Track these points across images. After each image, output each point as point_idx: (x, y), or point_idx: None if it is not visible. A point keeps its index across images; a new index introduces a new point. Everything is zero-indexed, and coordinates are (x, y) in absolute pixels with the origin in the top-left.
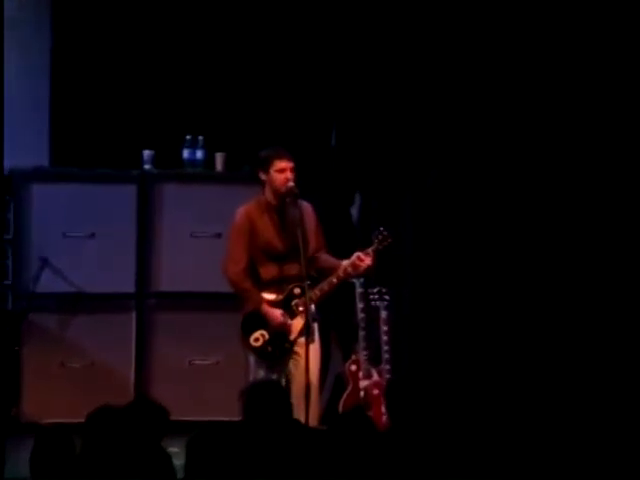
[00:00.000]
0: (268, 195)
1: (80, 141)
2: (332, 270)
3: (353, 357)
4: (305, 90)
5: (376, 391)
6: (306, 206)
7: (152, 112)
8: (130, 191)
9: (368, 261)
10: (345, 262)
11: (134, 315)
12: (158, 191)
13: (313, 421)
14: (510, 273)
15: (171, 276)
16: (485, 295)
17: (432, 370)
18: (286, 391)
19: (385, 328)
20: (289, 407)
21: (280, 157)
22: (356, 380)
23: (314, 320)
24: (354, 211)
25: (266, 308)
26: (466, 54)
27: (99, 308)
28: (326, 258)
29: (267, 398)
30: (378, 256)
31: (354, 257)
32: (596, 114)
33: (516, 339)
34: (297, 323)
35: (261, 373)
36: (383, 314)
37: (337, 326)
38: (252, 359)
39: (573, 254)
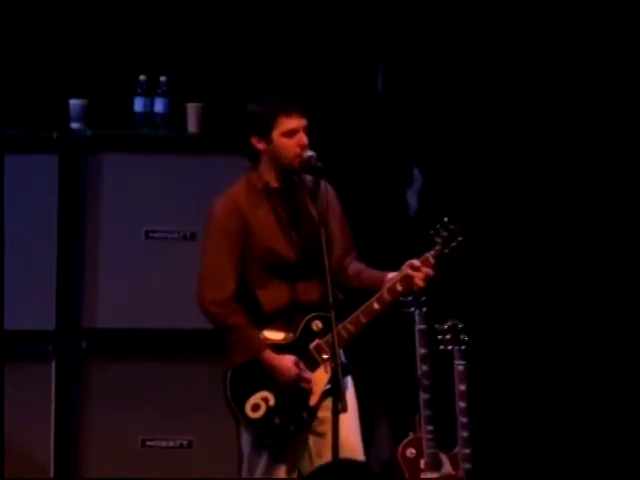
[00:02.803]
0: (267, 174)
1: None
2: (370, 289)
3: (411, 435)
4: (334, 6)
5: None
6: (325, 189)
7: (83, 38)
8: (49, 164)
9: (427, 271)
10: (391, 275)
11: (54, 366)
12: (94, 165)
13: None
14: None
15: (114, 304)
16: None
17: (530, 457)
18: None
19: (462, 388)
20: None
21: (288, 112)
22: (416, 472)
23: (345, 373)
24: (411, 195)
25: (270, 356)
26: None
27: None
28: (359, 270)
29: None
30: (445, 264)
31: (405, 267)
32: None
33: None
34: (320, 377)
35: (262, 462)
36: (459, 365)
37: (383, 384)
38: (248, 439)
39: None
